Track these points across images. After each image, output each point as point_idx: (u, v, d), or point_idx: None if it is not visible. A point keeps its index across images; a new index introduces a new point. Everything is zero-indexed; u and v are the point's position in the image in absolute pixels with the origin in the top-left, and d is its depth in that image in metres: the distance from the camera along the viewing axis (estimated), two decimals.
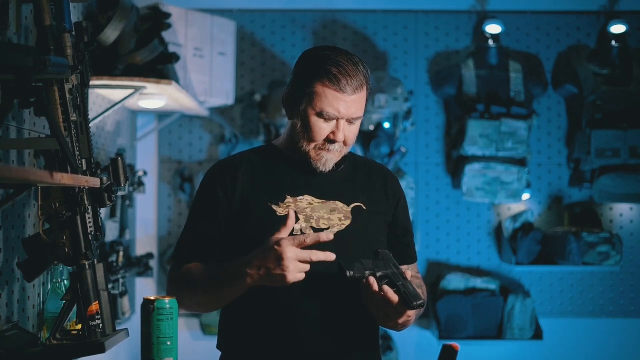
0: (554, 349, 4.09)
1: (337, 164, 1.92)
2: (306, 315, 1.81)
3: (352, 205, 1.91)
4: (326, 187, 1.91)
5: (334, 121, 1.83)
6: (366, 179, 1.98)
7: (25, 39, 1.97)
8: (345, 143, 1.87)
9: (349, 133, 1.86)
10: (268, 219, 1.84)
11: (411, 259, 2.03)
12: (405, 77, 4.18)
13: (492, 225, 4.17)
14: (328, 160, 1.87)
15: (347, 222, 1.88)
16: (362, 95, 1.84)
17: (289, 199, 1.87)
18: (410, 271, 1.76)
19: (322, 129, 1.84)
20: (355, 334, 1.87)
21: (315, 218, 1.87)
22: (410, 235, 2.04)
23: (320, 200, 1.89)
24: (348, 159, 1.97)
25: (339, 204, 1.90)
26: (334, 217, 1.88)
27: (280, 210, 1.86)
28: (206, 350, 4.08)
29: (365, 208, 1.91)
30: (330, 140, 1.85)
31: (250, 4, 4.16)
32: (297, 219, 1.85)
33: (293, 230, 1.81)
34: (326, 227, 1.86)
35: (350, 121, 1.85)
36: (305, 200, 1.88)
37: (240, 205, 1.87)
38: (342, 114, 1.82)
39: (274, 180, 1.90)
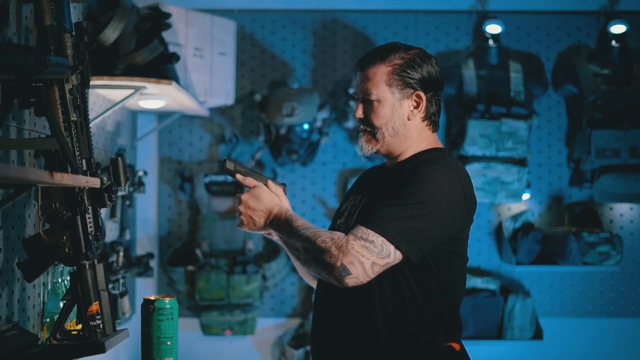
0: (554, 349, 4.09)
1: (392, 165, 1.98)
2: (323, 308, 1.98)
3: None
4: (369, 187, 2.00)
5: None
6: (400, 175, 1.88)
7: (25, 39, 1.97)
8: (365, 122, 1.94)
9: (370, 113, 1.93)
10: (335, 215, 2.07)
11: (362, 220, 1.81)
12: None
13: (492, 225, 4.16)
14: (362, 142, 1.96)
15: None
16: (372, 72, 1.91)
17: (351, 199, 2.02)
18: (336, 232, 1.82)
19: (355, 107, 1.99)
20: (362, 331, 1.91)
21: (352, 215, 1.97)
22: (385, 205, 1.79)
23: (359, 199, 1.98)
24: (412, 161, 1.92)
25: (363, 202, 1.97)
26: (356, 213, 1.96)
27: (342, 208, 2.03)
28: (206, 350, 4.09)
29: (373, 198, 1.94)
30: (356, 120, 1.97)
31: (250, 4, 4.16)
32: (341, 215, 2.00)
33: (336, 224, 2.00)
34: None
35: (365, 99, 1.93)
36: (356, 199, 2.00)
37: None
38: (356, 90, 1.96)
39: (363, 182, 2.08)
